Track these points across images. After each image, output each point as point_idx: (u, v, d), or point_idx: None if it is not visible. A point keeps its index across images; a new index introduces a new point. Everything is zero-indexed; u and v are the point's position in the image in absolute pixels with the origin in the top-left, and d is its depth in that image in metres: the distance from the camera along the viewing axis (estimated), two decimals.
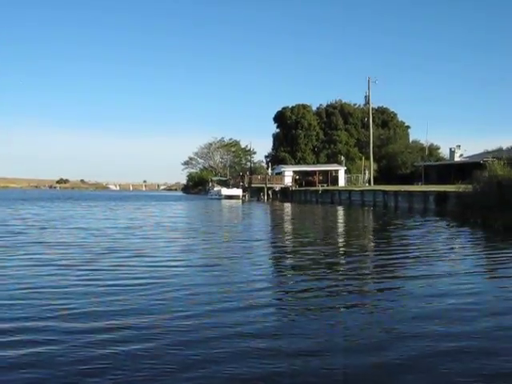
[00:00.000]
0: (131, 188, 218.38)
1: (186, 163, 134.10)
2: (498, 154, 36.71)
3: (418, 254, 12.72)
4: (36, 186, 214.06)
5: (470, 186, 24.53)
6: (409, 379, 4.65)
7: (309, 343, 5.54)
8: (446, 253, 13.09)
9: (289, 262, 11.95)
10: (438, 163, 66.56)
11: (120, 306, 7.04)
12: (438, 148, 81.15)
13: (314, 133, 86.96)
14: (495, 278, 9.62)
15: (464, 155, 60.63)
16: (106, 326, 6.08)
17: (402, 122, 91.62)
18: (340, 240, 17.11)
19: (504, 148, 58.10)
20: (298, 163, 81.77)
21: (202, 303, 7.18)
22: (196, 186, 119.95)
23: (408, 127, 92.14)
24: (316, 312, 6.87)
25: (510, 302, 7.55)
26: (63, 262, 10.82)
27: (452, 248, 14.40)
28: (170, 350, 5.24)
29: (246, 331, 5.89)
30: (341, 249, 14.51)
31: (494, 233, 17.98)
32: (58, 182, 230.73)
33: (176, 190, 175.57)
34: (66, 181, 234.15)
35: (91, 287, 8.26)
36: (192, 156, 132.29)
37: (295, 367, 4.85)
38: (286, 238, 17.88)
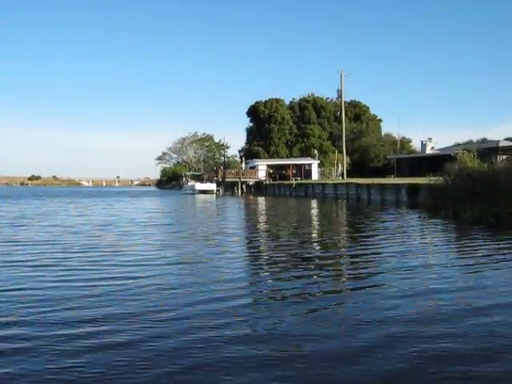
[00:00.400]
0: (104, 184, 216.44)
1: (159, 158, 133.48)
2: (468, 146, 37.22)
3: (391, 246, 12.90)
4: (7, 184, 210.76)
5: (441, 179, 24.95)
6: (376, 364, 4.79)
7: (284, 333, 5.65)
8: (418, 245, 13.30)
9: (265, 256, 11.93)
10: (409, 156, 67.35)
11: (96, 306, 6.93)
12: (410, 141, 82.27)
13: (288, 126, 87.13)
14: (468, 269, 9.76)
15: (435, 148, 61.33)
16: (80, 325, 6.07)
17: (374, 115, 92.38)
18: (315, 234, 17.25)
19: (474, 140, 58.99)
20: (271, 157, 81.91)
21: (181, 302, 7.14)
22: (170, 181, 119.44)
23: (380, 121, 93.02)
24: (291, 306, 6.94)
25: (484, 293, 7.70)
26: (36, 262, 10.65)
27: (424, 240, 14.62)
28: (145, 351, 5.21)
29: (221, 330, 5.93)
30: (315, 243, 14.65)
31: (465, 224, 18.31)
32: (29, 178, 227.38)
33: (150, 185, 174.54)
34: (37, 177, 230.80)
35: (65, 289, 8.04)
36: (165, 151, 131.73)
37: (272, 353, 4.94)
38: (262, 232, 17.98)
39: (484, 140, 61.05)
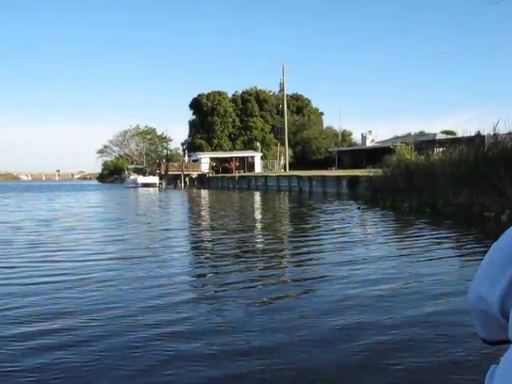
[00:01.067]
0: (44, 178, 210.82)
1: (100, 151, 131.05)
2: (406, 139, 38.17)
3: (335, 237, 13.07)
4: None
5: (380, 171, 25.56)
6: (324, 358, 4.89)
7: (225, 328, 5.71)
8: (361, 235, 13.66)
9: (210, 250, 11.88)
10: (350, 148, 68.48)
11: (39, 305, 6.71)
12: (351, 134, 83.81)
13: (230, 119, 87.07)
14: (410, 259, 10.03)
15: (375, 140, 62.54)
16: (20, 325, 5.89)
17: (315, 108, 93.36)
18: (259, 226, 17.44)
19: (412, 133, 60.47)
20: (214, 150, 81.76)
21: (127, 298, 6.99)
22: (112, 174, 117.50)
23: (322, 114, 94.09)
24: (239, 300, 6.93)
25: (422, 284, 7.96)
26: None
27: (366, 231, 15.01)
28: (90, 351, 5.05)
29: (168, 327, 5.91)
30: (260, 235, 14.82)
31: (403, 214, 18.84)
32: None
33: (91, 179, 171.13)
34: None
35: (6, 287, 7.79)
36: (107, 144, 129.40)
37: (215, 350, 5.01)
38: (206, 225, 18.03)
39: (422, 133, 62.64)
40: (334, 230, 14.67)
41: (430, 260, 9.65)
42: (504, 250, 1.22)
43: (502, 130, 20.65)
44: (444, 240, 12.21)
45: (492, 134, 20.81)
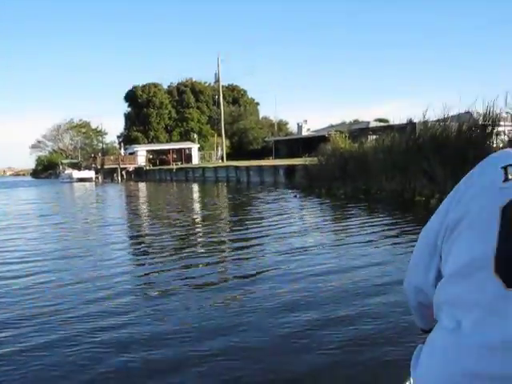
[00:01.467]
0: None
1: (33, 147, 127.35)
2: (341, 127, 38.85)
3: (272, 227, 13.05)
4: None
5: (315, 159, 25.95)
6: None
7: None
8: (298, 224, 13.76)
9: (152, 245, 11.52)
10: (287, 138, 68.99)
11: None
12: (287, 123, 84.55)
13: (166, 111, 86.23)
14: (346, 247, 10.24)
15: (311, 130, 63.21)
16: None
17: (251, 98, 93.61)
18: (197, 219, 17.38)
19: (347, 122, 61.46)
20: (151, 142, 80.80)
21: (67, 302, 6.62)
22: (46, 169, 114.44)
23: (257, 104, 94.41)
24: (182, 299, 6.74)
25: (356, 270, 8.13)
26: None
27: (303, 219, 15.14)
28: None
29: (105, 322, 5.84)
30: (199, 228, 14.73)
31: (338, 202, 19.20)
32: None
33: (24, 175, 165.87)
34: None
35: None
36: (40, 139, 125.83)
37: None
38: (144, 219, 17.90)
39: (356, 121, 63.66)
40: (272, 219, 14.73)
41: (366, 245, 9.89)
42: (429, 238, 1.29)
43: (432, 117, 21.30)
44: (378, 225, 12.55)
45: (422, 121, 21.42)
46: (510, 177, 1.13)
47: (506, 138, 18.91)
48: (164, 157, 71.66)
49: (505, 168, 1.15)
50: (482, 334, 1.02)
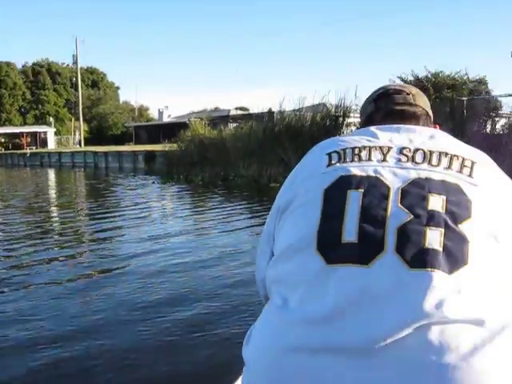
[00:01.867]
0: None
1: None
2: (201, 114, 39.13)
3: (131, 214, 12.69)
4: None
5: (175, 145, 25.93)
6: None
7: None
8: (157, 211, 13.55)
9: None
10: (147, 124, 68.20)
11: None
12: (148, 109, 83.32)
13: (20, 92, 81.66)
14: (205, 231, 10.37)
15: (172, 116, 62.94)
16: None
17: (111, 82, 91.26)
18: (54, 206, 16.63)
19: (208, 109, 61.89)
20: (3, 125, 76.15)
21: None
22: None
23: (118, 88, 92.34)
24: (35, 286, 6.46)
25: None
26: None
27: (162, 206, 15.03)
28: None
29: None
30: (55, 216, 14.07)
31: (197, 187, 19.32)
32: None
33: None
34: None
35: None
36: None
37: None
38: None
39: (217, 109, 64.34)
40: (131, 206, 14.42)
41: (225, 231, 9.95)
42: (269, 226, 1.38)
43: (289, 107, 22.19)
44: (234, 211, 12.78)
45: (278, 110, 22.24)
46: (332, 162, 1.23)
47: (355, 129, 20.12)
48: (17, 141, 67.83)
49: (329, 154, 1.26)
50: (305, 309, 1.07)
